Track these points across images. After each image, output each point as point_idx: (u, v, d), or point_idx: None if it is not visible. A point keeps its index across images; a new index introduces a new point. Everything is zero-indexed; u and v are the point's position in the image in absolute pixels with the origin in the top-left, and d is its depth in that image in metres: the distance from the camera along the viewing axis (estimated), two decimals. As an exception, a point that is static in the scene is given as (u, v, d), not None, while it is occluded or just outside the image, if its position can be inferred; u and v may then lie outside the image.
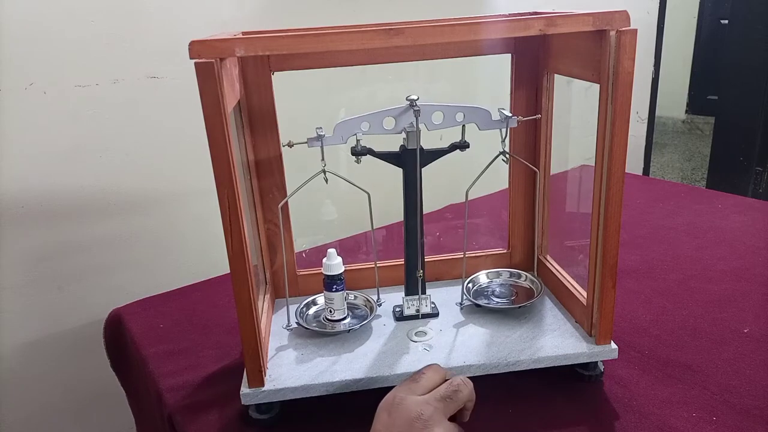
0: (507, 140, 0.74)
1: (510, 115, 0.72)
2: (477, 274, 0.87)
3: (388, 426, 0.52)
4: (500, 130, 0.73)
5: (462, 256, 0.83)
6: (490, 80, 1.16)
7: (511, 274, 0.87)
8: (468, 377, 0.63)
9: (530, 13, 0.75)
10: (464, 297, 0.82)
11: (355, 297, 0.82)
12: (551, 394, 0.72)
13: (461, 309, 0.82)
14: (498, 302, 0.81)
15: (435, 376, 0.59)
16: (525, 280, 0.86)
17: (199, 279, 1.08)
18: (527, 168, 0.86)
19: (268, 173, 0.82)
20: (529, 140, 0.85)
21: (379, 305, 0.82)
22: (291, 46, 0.57)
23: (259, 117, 0.79)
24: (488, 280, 0.87)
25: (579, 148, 0.97)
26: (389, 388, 0.67)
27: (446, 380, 0.59)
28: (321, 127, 0.70)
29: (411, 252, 0.78)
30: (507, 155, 0.75)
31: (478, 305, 0.80)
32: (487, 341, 0.73)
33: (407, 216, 0.77)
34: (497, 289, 0.84)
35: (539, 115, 0.81)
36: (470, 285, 0.85)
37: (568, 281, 0.80)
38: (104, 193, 1.18)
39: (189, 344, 0.87)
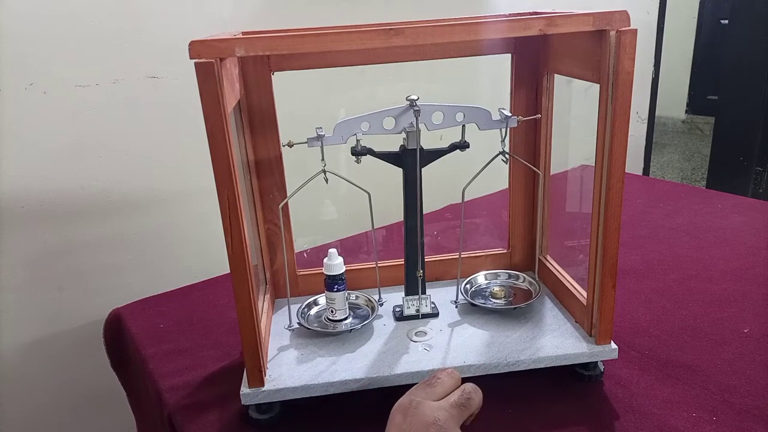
0: (507, 140, 0.74)
1: (510, 114, 0.72)
2: (475, 275, 0.87)
3: (402, 429, 0.52)
4: (500, 129, 0.73)
5: (462, 256, 0.83)
6: (490, 80, 1.17)
7: (510, 276, 0.87)
8: (468, 377, 0.63)
9: (530, 13, 0.75)
10: (459, 296, 0.82)
11: (357, 297, 0.82)
12: (551, 394, 0.72)
13: (456, 307, 0.82)
14: (495, 303, 0.81)
15: (449, 381, 0.58)
16: (523, 282, 0.86)
17: (199, 279, 1.08)
18: (527, 168, 0.86)
19: (268, 173, 0.82)
20: (529, 140, 0.85)
21: (381, 305, 0.82)
22: (291, 46, 0.57)
23: (259, 117, 0.79)
24: (486, 281, 0.87)
25: (579, 148, 0.97)
26: (389, 388, 0.68)
27: (459, 386, 0.59)
28: (321, 127, 0.70)
29: (411, 252, 0.78)
30: (506, 155, 0.75)
31: (473, 304, 0.80)
32: (487, 341, 0.74)
33: (407, 216, 0.77)
34: (495, 290, 0.83)
35: (539, 115, 0.81)
36: (468, 286, 0.85)
37: (568, 281, 0.80)
38: (104, 193, 1.18)
39: (189, 344, 0.87)
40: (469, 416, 0.56)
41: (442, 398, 0.56)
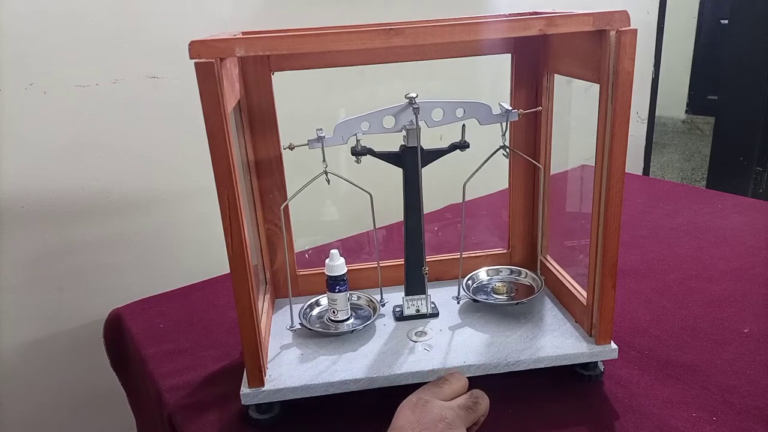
0: (507, 134, 0.73)
1: (510, 108, 0.72)
2: (476, 271, 0.87)
3: (411, 423, 0.53)
4: (501, 124, 0.73)
5: (461, 255, 0.83)
6: (491, 80, 1.17)
7: (512, 271, 0.87)
8: (468, 377, 0.63)
9: (530, 13, 0.75)
10: (461, 292, 0.82)
11: (358, 297, 0.82)
12: (551, 394, 0.72)
13: (458, 303, 0.82)
14: (497, 298, 0.81)
15: (457, 384, 0.61)
16: (525, 278, 0.86)
17: (200, 279, 1.08)
18: (527, 167, 0.86)
19: (268, 173, 0.82)
20: (529, 140, 0.85)
21: (383, 305, 0.82)
22: (291, 46, 0.57)
23: (259, 117, 0.79)
24: (488, 277, 0.87)
25: (579, 148, 0.97)
26: (389, 389, 0.68)
27: (467, 390, 0.61)
28: (321, 129, 0.70)
29: (411, 252, 0.78)
30: (507, 149, 0.75)
31: (475, 300, 0.80)
32: (487, 341, 0.74)
33: (407, 215, 0.77)
34: (497, 286, 0.83)
35: (540, 107, 0.80)
36: (470, 282, 0.85)
37: (568, 281, 0.80)
38: (104, 193, 1.18)
39: (189, 344, 0.87)
40: (474, 423, 0.57)
41: (450, 399, 0.57)
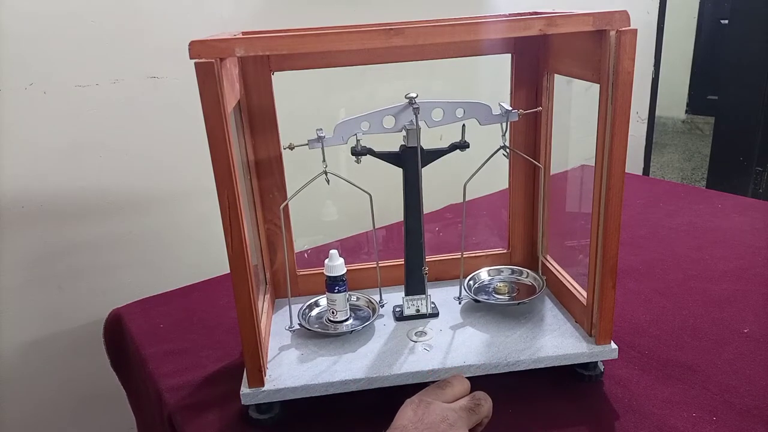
0: (507, 134, 0.73)
1: (510, 108, 0.72)
2: (478, 271, 0.87)
3: (413, 422, 0.54)
4: (501, 124, 0.73)
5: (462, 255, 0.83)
6: (490, 80, 1.17)
7: (513, 271, 0.87)
8: (468, 377, 0.63)
9: (530, 13, 0.75)
10: (463, 292, 0.82)
11: (357, 298, 0.82)
12: (551, 394, 0.72)
13: (459, 303, 0.82)
14: (498, 298, 0.81)
15: (460, 387, 0.61)
16: (527, 277, 0.86)
17: (200, 279, 1.08)
18: (527, 167, 0.86)
19: (268, 173, 0.82)
20: (529, 140, 0.85)
21: (382, 306, 0.82)
22: (291, 46, 0.57)
23: (259, 117, 0.79)
24: (489, 277, 0.87)
25: (579, 148, 0.97)
26: (389, 389, 0.68)
27: (469, 393, 0.61)
28: (321, 129, 0.70)
29: (411, 252, 0.78)
30: (507, 149, 0.75)
31: (477, 300, 0.80)
32: (487, 341, 0.74)
33: (407, 216, 0.77)
34: (498, 286, 0.83)
35: (540, 108, 0.80)
36: (471, 282, 0.85)
37: (568, 281, 0.80)
38: (104, 193, 1.18)
39: (189, 344, 0.87)
40: (478, 425, 0.58)
41: (452, 402, 0.58)
